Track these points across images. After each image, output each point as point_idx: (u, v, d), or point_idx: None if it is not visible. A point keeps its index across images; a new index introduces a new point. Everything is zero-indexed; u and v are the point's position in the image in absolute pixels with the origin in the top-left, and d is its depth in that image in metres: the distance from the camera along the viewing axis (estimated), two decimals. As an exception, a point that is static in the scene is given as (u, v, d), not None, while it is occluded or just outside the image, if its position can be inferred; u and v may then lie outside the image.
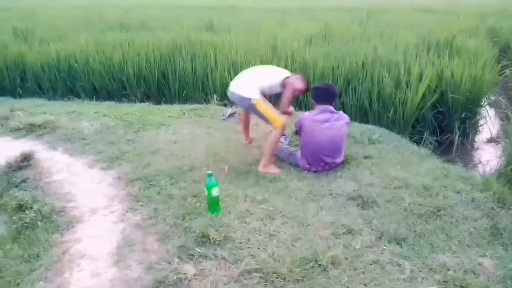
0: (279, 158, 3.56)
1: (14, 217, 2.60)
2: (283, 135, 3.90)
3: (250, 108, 3.41)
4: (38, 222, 2.55)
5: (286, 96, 3.40)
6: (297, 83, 3.43)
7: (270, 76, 3.48)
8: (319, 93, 3.34)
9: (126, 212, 2.71)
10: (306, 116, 3.34)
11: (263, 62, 5.87)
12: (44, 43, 7.60)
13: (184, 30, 8.10)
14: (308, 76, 5.49)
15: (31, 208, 2.68)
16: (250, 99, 3.31)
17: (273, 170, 3.33)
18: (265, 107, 3.32)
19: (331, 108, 3.29)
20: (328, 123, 3.23)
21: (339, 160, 3.33)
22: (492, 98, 6.39)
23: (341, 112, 3.37)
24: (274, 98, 3.84)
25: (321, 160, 3.26)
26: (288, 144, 3.82)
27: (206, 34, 8.27)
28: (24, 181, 3.14)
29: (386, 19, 11.33)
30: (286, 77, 3.44)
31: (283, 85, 3.42)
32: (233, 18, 12.00)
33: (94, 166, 3.44)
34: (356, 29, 8.92)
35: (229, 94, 3.52)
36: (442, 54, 5.92)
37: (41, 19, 12.09)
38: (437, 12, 14.50)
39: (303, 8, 15.83)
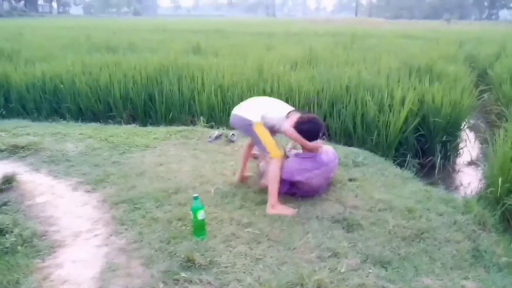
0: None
1: (-7, 242, 2.53)
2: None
3: (248, 131, 3.18)
4: (19, 247, 2.48)
5: (296, 138, 3.10)
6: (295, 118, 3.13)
7: (276, 107, 3.26)
8: (305, 131, 3.06)
9: (110, 235, 2.67)
10: (296, 169, 3.12)
11: (249, 85, 5.96)
12: (30, 64, 7.57)
13: (171, 53, 8.18)
14: (294, 102, 5.58)
15: (11, 232, 2.60)
16: (250, 120, 3.11)
17: (283, 210, 2.99)
18: (264, 132, 3.09)
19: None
20: (323, 168, 3.17)
21: None
22: (471, 121, 6.59)
23: (329, 150, 3.32)
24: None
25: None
26: None
27: (193, 57, 8.38)
28: (5, 204, 3.06)
29: (369, 44, 11.69)
30: (290, 112, 3.19)
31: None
32: (220, 42, 12.21)
33: (78, 189, 3.39)
34: (340, 53, 9.16)
35: (231, 119, 3.33)
36: (423, 79, 6.11)
37: (27, 39, 12.08)
38: (418, 38, 15.05)
39: (289, 32, 16.20)
